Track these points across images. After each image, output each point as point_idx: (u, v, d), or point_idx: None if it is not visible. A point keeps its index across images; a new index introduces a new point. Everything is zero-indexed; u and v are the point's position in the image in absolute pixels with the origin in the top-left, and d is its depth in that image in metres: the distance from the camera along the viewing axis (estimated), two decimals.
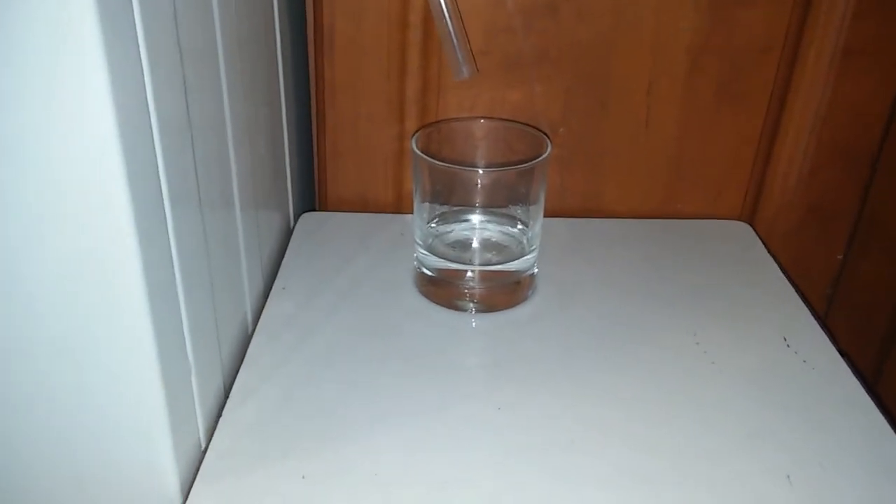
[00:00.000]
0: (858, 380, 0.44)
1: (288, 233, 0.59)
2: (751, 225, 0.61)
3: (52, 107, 0.28)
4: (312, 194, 0.64)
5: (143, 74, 0.31)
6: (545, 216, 0.51)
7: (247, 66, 0.46)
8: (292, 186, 0.60)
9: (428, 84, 0.58)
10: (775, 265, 0.55)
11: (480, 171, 0.50)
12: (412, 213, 0.52)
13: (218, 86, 0.41)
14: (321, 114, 0.59)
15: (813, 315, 0.50)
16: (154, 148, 0.32)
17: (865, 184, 0.61)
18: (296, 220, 0.60)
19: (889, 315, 0.61)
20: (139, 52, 0.30)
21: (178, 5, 0.34)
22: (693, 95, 0.57)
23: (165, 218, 0.34)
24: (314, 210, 0.63)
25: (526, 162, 0.49)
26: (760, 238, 0.58)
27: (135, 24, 0.30)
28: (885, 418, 0.41)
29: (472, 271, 0.51)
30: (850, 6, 0.54)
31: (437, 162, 0.48)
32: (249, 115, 0.47)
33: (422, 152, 0.49)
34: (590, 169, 0.60)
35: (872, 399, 0.43)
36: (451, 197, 0.51)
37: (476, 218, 0.52)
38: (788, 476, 0.38)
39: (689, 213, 0.61)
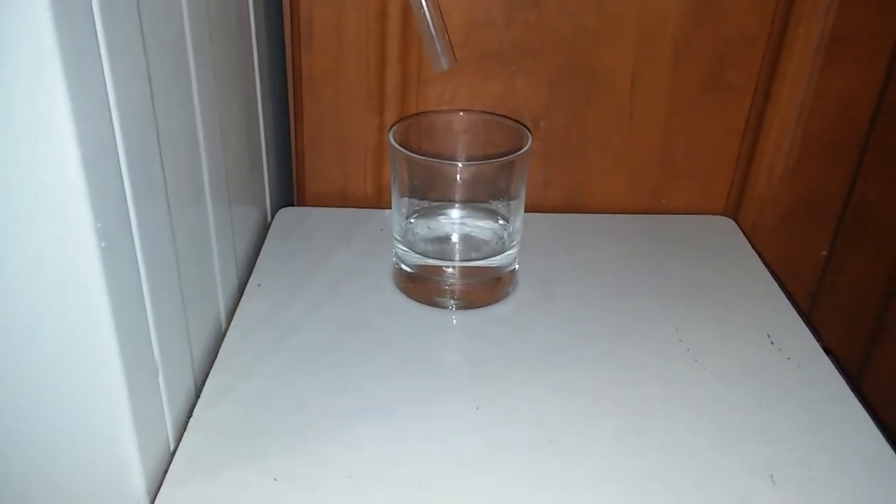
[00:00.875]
0: (843, 377, 0.43)
1: (265, 228, 0.57)
2: (735, 219, 0.60)
3: (3, 99, 0.27)
4: (290, 189, 0.63)
5: (101, 63, 0.30)
6: (527, 211, 0.51)
7: (218, 57, 0.45)
8: (269, 181, 0.59)
9: (408, 76, 0.57)
10: (759, 261, 0.54)
11: (460, 165, 0.49)
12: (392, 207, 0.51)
13: (186, 76, 0.40)
14: (299, 106, 0.58)
15: (797, 311, 0.49)
16: (115, 142, 0.31)
17: (851, 177, 0.60)
18: (273, 216, 0.59)
19: (875, 309, 0.60)
20: (97, 39, 0.29)
21: None
22: (678, 87, 0.56)
23: (128, 214, 0.33)
24: (292, 205, 0.62)
25: (506, 155, 0.48)
26: (745, 233, 0.58)
27: (92, 9, 0.29)
28: (869, 415, 0.41)
29: (452, 268, 0.50)
30: None
31: (416, 155, 0.47)
32: (221, 107, 0.46)
33: (400, 146, 0.48)
34: (573, 163, 0.59)
35: (856, 396, 0.42)
36: (430, 191, 0.50)
37: (456, 213, 0.51)
38: (772, 476, 0.37)
39: (673, 207, 0.61)
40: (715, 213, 0.61)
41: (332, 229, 0.57)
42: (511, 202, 0.49)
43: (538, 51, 0.55)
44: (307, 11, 0.54)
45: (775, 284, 0.51)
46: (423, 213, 0.51)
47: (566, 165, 0.59)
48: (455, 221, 0.51)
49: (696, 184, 0.60)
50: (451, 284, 0.49)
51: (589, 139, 0.58)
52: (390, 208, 0.52)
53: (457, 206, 0.51)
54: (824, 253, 0.63)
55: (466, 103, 0.57)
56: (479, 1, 0.53)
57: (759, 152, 0.59)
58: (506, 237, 0.50)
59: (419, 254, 0.50)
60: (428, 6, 0.49)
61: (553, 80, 0.56)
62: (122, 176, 0.32)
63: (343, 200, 0.61)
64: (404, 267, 0.50)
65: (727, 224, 0.59)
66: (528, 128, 0.50)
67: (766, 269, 0.53)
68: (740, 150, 0.59)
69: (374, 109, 0.58)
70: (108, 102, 0.30)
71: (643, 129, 0.58)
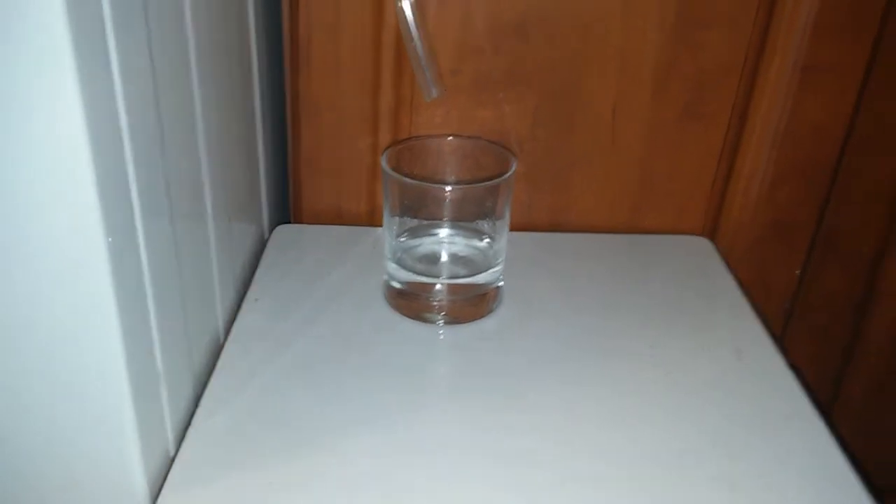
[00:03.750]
0: (806, 394, 0.46)
1: (262, 245, 0.60)
2: (712, 239, 0.63)
3: (22, 118, 0.29)
4: (287, 206, 0.65)
5: (114, 85, 0.32)
6: (513, 230, 0.53)
7: (221, 81, 0.48)
8: (266, 199, 0.62)
9: (401, 100, 0.59)
10: (733, 280, 0.57)
11: (448, 188, 0.51)
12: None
13: (191, 100, 0.43)
14: (296, 128, 0.61)
15: (766, 330, 0.51)
16: (125, 160, 0.34)
17: (823, 200, 0.63)
18: (270, 232, 0.61)
19: (847, 329, 0.63)
20: (110, 62, 0.32)
21: (151, 15, 0.36)
22: (657, 114, 0.59)
23: (136, 230, 0.35)
24: (289, 222, 0.64)
25: (493, 178, 0.50)
26: (720, 253, 0.60)
27: (106, 34, 0.31)
28: (830, 432, 0.43)
29: (440, 284, 0.52)
30: (809, 25, 0.56)
31: (406, 179, 0.50)
32: (222, 128, 0.48)
33: (392, 169, 0.50)
34: (557, 184, 0.62)
35: (818, 413, 0.45)
36: (420, 211, 0.53)
37: (444, 232, 0.54)
38: (732, 487, 0.40)
39: (653, 227, 0.63)
40: (693, 233, 0.63)
41: (327, 246, 0.59)
42: (497, 221, 0.52)
43: (525, 77, 0.58)
44: (305, 38, 0.57)
45: (746, 304, 0.54)
46: (413, 232, 0.54)
47: (551, 186, 0.62)
48: (443, 240, 0.54)
49: (675, 205, 0.63)
50: (439, 300, 0.52)
51: (573, 161, 0.61)
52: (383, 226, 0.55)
53: (445, 225, 0.53)
54: (798, 272, 0.65)
55: (456, 127, 0.60)
56: (469, 30, 0.56)
57: (735, 176, 0.62)
58: (491, 255, 0.53)
59: (408, 271, 0.52)
60: (419, 38, 0.52)
61: (539, 105, 0.59)
62: (130, 193, 0.35)
63: (338, 218, 0.64)
64: (394, 283, 0.53)
65: (704, 244, 0.61)
66: (513, 152, 0.53)
67: (738, 289, 0.56)
68: (717, 173, 0.62)
69: (369, 132, 0.60)
70: (119, 120, 0.33)
71: (625, 153, 0.61)
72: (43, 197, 0.31)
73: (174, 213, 0.40)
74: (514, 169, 0.51)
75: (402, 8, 0.52)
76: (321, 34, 0.57)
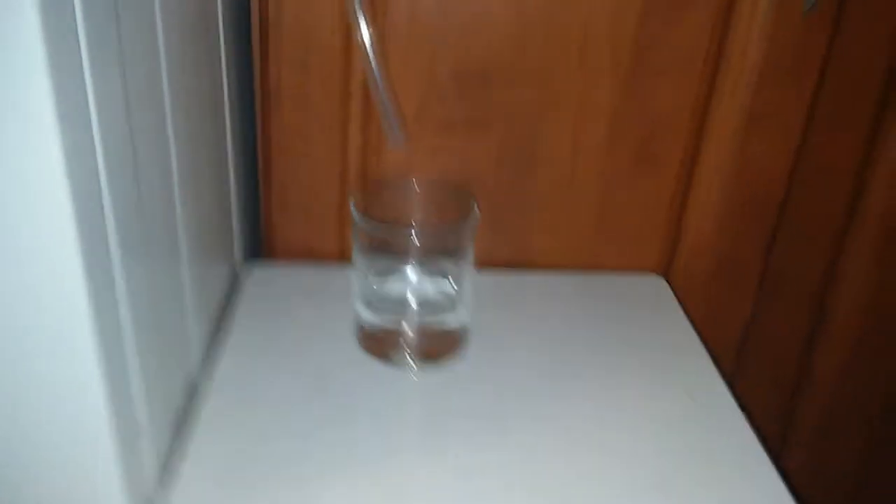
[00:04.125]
0: (754, 433, 0.49)
1: (234, 282, 0.62)
2: (667, 276, 0.66)
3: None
4: (258, 240, 0.67)
5: (91, 125, 0.33)
6: (477, 267, 0.55)
7: (195, 122, 0.49)
8: (238, 235, 0.63)
9: (368, 144, 0.62)
10: (686, 321, 0.60)
11: (413, 231, 0.54)
12: None
13: (165, 141, 0.44)
14: (267, 167, 0.63)
15: (718, 370, 0.54)
16: (103, 203, 0.35)
17: (771, 238, 0.66)
18: (241, 266, 0.63)
19: (795, 365, 0.66)
20: (88, 104, 0.33)
21: (126, 53, 0.37)
22: (612, 157, 0.62)
23: (114, 272, 0.36)
24: (259, 256, 0.66)
25: (456, 220, 0.53)
26: (674, 291, 0.63)
27: (83, 70, 0.32)
28: (779, 474, 0.46)
29: (407, 326, 0.54)
30: (755, 73, 0.60)
31: (373, 224, 0.52)
32: (196, 163, 0.49)
33: (360, 211, 0.53)
34: (518, 224, 0.65)
35: (767, 454, 0.47)
36: (387, 253, 0.55)
37: (410, 274, 0.56)
38: None
39: (610, 264, 0.66)
40: (648, 269, 0.66)
41: (300, 286, 0.61)
42: (461, 262, 0.54)
43: (487, 123, 0.61)
44: (276, 80, 0.59)
45: (699, 344, 0.57)
46: (381, 274, 0.56)
47: (512, 225, 0.65)
48: (410, 281, 0.56)
49: (631, 243, 0.66)
50: (407, 341, 0.54)
51: (534, 202, 0.64)
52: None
53: (411, 266, 0.56)
54: (748, 309, 0.69)
55: (421, 168, 0.62)
56: (433, 78, 0.59)
57: (687, 216, 0.65)
58: (456, 297, 0.55)
59: (377, 313, 0.54)
60: (384, 89, 0.54)
61: (500, 149, 0.62)
62: (108, 237, 0.35)
63: (309, 254, 0.66)
64: (364, 325, 0.55)
65: (659, 283, 0.64)
66: (474, 195, 0.55)
67: (692, 329, 0.59)
68: (669, 213, 0.65)
69: (337, 172, 0.63)
70: (97, 169, 0.34)
71: (582, 194, 0.64)
72: (22, 243, 0.32)
73: (152, 253, 0.42)
74: (475, 213, 0.53)
75: (362, 42, 0.53)
76: (292, 75, 0.59)
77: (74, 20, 0.31)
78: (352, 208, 0.53)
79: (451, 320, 0.55)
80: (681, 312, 0.60)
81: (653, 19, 0.58)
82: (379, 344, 0.55)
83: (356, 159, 0.62)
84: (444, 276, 0.56)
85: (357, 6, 0.52)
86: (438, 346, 0.55)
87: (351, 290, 0.56)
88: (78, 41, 0.32)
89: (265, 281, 0.62)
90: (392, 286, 0.56)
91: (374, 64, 0.53)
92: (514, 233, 0.65)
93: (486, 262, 0.64)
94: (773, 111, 0.62)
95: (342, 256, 0.66)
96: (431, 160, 0.62)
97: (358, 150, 0.62)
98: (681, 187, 0.64)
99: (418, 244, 0.53)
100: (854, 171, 0.64)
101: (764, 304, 0.68)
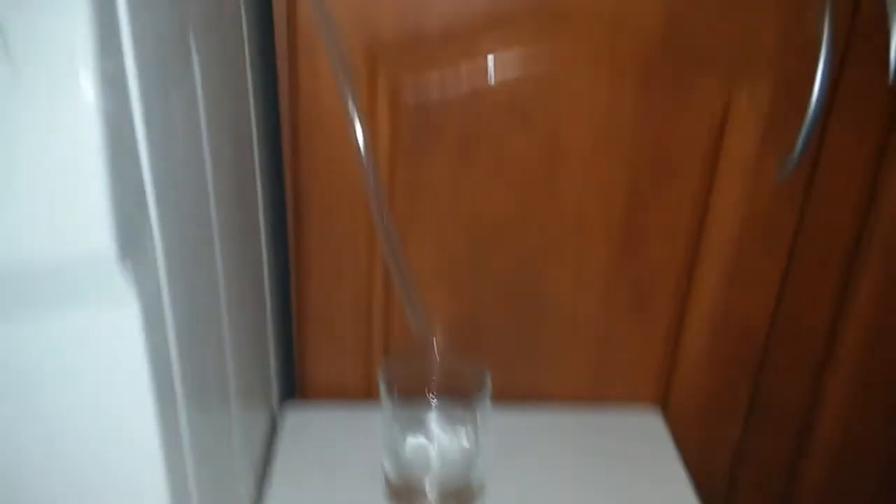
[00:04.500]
0: None
1: (273, 425, 0.69)
2: (663, 405, 0.73)
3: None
4: (291, 378, 0.75)
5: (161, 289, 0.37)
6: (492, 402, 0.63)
7: (239, 275, 0.54)
8: (275, 378, 0.71)
9: (391, 297, 0.69)
10: (676, 455, 0.67)
11: (434, 400, 0.61)
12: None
13: (216, 291, 0.48)
14: (302, 307, 0.70)
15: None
16: (170, 357, 0.38)
17: (755, 374, 0.73)
18: (278, 408, 0.70)
19: (782, 483, 0.73)
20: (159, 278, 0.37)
21: (185, 218, 0.41)
22: (610, 306, 0.70)
23: (180, 425, 0.40)
24: (293, 395, 0.74)
25: (472, 390, 0.61)
26: (668, 423, 0.71)
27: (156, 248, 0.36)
28: None
29: (429, 484, 0.62)
30: (734, 238, 0.67)
31: (396, 397, 0.60)
32: (240, 313, 0.55)
33: (386, 381, 0.61)
34: (525, 363, 0.72)
35: None
36: (410, 414, 0.62)
37: (432, 431, 0.63)
38: None
39: (611, 395, 0.74)
40: (646, 400, 0.74)
41: (333, 429, 0.69)
42: (477, 424, 0.62)
43: (494, 274, 0.68)
44: (307, 259, 0.67)
45: (689, 487, 0.64)
46: (405, 424, 0.63)
47: (521, 364, 0.72)
48: (432, 438, 0.64)
49: (630, 379, 0.73)
50: (431, 495, 0.62)
51: (540, 345, 0.71)
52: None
53: (432, 425, 0.63)
54: (737, 433, 0.76)
55: (439, 318, 0.70)
56: (450, 235, 0.66)
57: (679, 355, 0.72)
58: (474, 453, 0.63)
59: (401, 468, 0.62)
60: (407, 282, 0.62)
61: (508, 301, 0.69)
62: (175, 391, 0.39)
63: (341, 391, 0.73)
64: (389, 478, 0.63)
65: (654, 418, 0.72)
66: (488, 372, 0.62)
67: (683, 471, 0.66)
68: (664, 354, 0.72)
69: (364, 322, 0.70)
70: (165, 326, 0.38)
71: (584, 338, 0.71)
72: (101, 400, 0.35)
73: (206, 401, 0.46)
74: (488, 388, 0.61)
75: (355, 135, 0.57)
76: (322, 246, 0.67)
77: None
78: (379, 379, 0.61)
79: (470, 477, 0.62)
80: (675, 454, 0.67)
81: (642, 187, 0.65)
82: (402, 499, 0.62)
83: (380, 312, 0.70)
84: (464, 424, 0.64)
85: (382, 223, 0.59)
86: (458, 500, 0.62)
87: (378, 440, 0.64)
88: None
89: (302, 424, 0.69)
90: (414, 443, 0.63)
91: (398, 271, 0.60)
92: (521, 370, 0.73)
93: (497, 395, 0.72)
94: (752, 270, 0.68)
95: (369, 393, 0.73)
96: (447, 312, 0.70)
97: (381, 304, 0.70)
98: (672, 333, 0.71)
99: (438, 410, 0.61)
100: (829, 320, 0.71)
101: (753, 431, 0.75)
